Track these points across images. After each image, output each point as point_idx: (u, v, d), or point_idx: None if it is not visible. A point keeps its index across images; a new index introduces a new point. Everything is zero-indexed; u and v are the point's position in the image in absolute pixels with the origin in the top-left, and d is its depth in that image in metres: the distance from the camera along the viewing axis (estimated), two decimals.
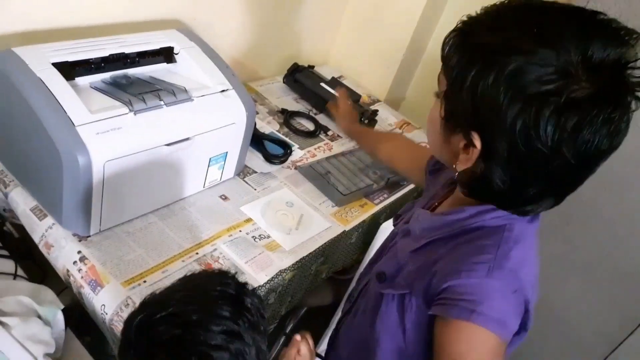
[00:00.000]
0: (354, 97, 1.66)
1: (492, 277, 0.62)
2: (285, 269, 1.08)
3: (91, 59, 0.96)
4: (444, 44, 0.63)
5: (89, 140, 0.84)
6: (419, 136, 1.66)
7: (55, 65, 0.89)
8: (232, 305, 0.63)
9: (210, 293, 0.64)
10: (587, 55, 0.54)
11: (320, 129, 1.54)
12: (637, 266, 1.50)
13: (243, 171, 1.26)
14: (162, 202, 1.08)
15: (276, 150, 1.36)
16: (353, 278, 1.41)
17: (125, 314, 0.88)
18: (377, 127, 1.65)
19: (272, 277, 1.04)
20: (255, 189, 1.24)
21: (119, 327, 0.88)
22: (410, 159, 1.08)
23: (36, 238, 0.96)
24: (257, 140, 1.32)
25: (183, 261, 1.00)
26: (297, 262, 1.10)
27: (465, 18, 0.62)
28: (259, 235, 1.12)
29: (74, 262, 0.92)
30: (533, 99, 0.54)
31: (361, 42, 1.88)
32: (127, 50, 1.02)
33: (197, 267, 1.00)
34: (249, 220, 1.15)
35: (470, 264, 0.63)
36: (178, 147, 0.99)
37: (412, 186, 1.44)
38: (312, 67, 1.70)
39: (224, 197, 1.18)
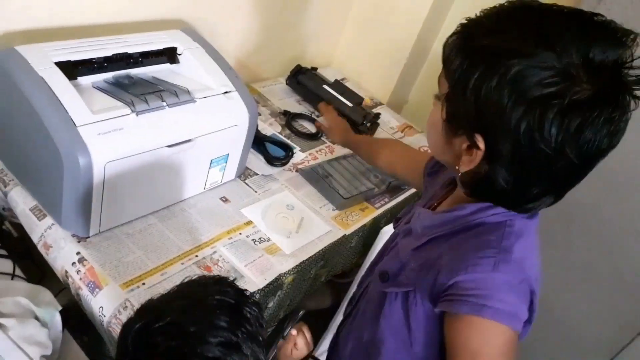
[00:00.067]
0: (356, 99, 1.65)
1: (499, 270, 0.62)
2: (284, 273, 1.07)
3: (94, 58, 0.96)
4: (445, 46, 0.64)
5: (90, 141, 0.83)
6: (421, 140, 1.65)
7: (57, 64, 0.88)
8: (231, 315, 0.62)
9: (209, 302, 0.63)
10: (588, 57, 0.55)
11: (322, 131, 1.53)
12: (638, 270, 1.50)
13: (244, 173, 1.26)
14: (162, 203, 1.07)
15: (278, 152, 1.35)
16: (352, 282, 1.41)
17: (123, 317, 0.87)
18: (379, 130, 1.65)
19: (272, 281, 1.04)
20: (256, 191, 1.23)
21: (116, 329, 0.87)
22: (409, 164, 1.08)
23: (35, 238, 0.96)
24: (258, 142, 1.32)
25: (182, 264, 0.99)
26: (296, 266, 1.10)
27: (465, 21, 0.62)
28: (259, 238, 1.12)
29: (73, 263, 0.92)
30: (536, 102, 0.55)
31: (365, 44, 1.87)
32: (130, 50, 1.01)
33: (196, 270, 0.99)
34: (249, 222, 1.14)
35: (475, 258, 0.64)
36: (180, 148, 0.98)
37: (413, 190, 1.44)
38: (315, 69, 1.70)
39: (225, 199, 1.18)
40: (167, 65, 1.09)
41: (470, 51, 0.60)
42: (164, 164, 0.98)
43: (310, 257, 1.13)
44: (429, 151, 0.81)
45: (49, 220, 0.95)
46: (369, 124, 1.57)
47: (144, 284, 0.93)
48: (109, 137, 0.86)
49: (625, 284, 1.52)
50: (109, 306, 0.88)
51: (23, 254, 1.00)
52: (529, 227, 0.68)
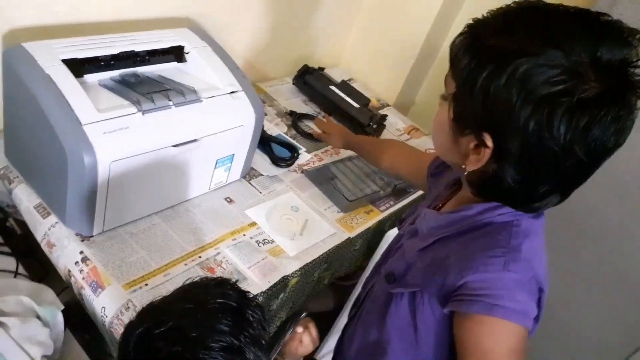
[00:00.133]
0: (363, 100, 1.64)
1: (509, 269, 0.63)
2: (288, 276, 1.06)
3: (101, 56, 0.95)
4: (452, 46, 0.64)
5: (96, 140, 0.83)
6: (427, 143, 1.64)
7: (64, 61, 0.87)
8: (233, 318, 0.61)
9: (211, 305, 0.62)
10: (595, 56, 0.55)
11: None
12: None
13: (249, 173, 1.25)
14: (166, 203, 1.07)
15: (283, 153, 1.34)
16: (356, 284, 1.40)
17: (125, 318, 0.87)
18: (385, 132, 1.64)
19: (275, 284, 1.03)
20: (260, 192, 1.23)
21: (118, 330, 0.87)
22: (412, 165, 1.08)
23: (38, 236, 0.95)
24: (264, 142, 1.31)
25: (185, 264, 0.99)
26: (300, 268, 1.09)
27: (471, 21, 0.63)
28: (263, 240, 1.11)
29: (76, 263, 0.91)
30: (545, 100, 0.56)
31: (373, 44, 1.86)
32: (137, 48, 1.00)
33: (199, 271, 0.99)
34: (253, 224, 1.14)
35: (485, 258, 0.64)
36: (185, 148, 0.97)
37: (419, 193, 1.43)
38: (322, 69, 1.69)
39: (229, 200, 1.17)
40: (174, 63, 1.08)
41: (478, 51, 0.60)
42: (169, 163, 0.97)
43: (314, 260, 1.12)
44: (434, 152, 0.80)
45: (53, 218, 0.95)
46: (375, 126, 1.56)
47: (146, 284, 0.92)
48: (114, 136, 0.85)
49: (631, 288, 1.51)
50: (112, 307, 0.88)
51: (26, 251, 1.00)
52: (536, 226, 0.68)
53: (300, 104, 1.62)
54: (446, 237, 0.72)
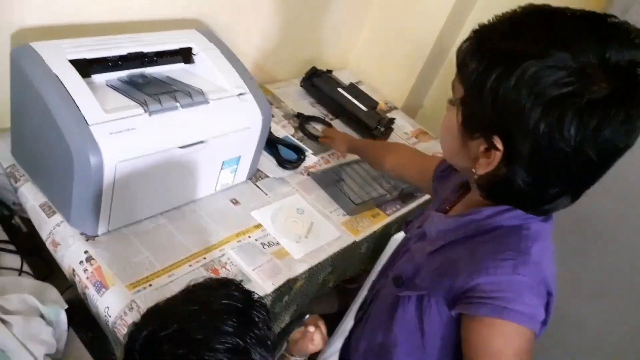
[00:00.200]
0: (371, 103, 1.63)
1: (519, 272, 0.63)
2: (293, 278, 1.06)
3: (109, 56, 0.95)
4: (459, 51, 0.64)
5: (102, 140, 0.83)
6: (435, 146, 1.63)
7: (72, 61, 0.88)
8: (238, 319, 0.61)
9: (215, 307, 0.62)
10: (604, 57, 0.56)
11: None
12: None
13: (255, 175, 1.25)
14: (172, 203, 1.07)
15: (290, 155, 1.34)
16: (361, 287, 1.39)
17: (129, 318, 0.87)
18: (392, 135, 1.63)
19: (279, 287, 1.03)
20: (266, 194, 1.22)
21: (122, 330, 0.87)
22: (417, 167, 1.09)
23: (44, 235, 0.95)
24: (271, 144, 1.31)
25: (190, 265, 0.98)
26: (305, 271, 1.09)
27: (477, 27, 0.63)
28: (268, 242, 1.11)
29: (80, 262, 0.91)
30: (555, 102, 0.56)
31: (382, 47, 1.86)
32: (145, 49, 1.00)
33: (203, 273, 0.98)
34: (258, 225, 1.13)
35: (495, 261, 0.64)
36: (192, 149, 0.97)
37: (426, 197, 1.42)
38: (330, 71, 1.68)
39: (235, 201, 1.17)
40: (182, 65, 1.08)
41: (486, 54, 0.61)
42: (175, 164, 0.97)
43: (319, 263, 1.12)
44: (441, 155, 0.79)
45: (58, 217, 0.95)
46: (382, 129, 1.55)
47: (150, 285, 0.92)
48: (121, 136, 0.85)
49: None
50: (115, 307, 0.88)
51: (31, 249, 1.00)
52: (545, 230, 0.68)
53: (307, 106, 1.61)
54: (455, 240, 0.71)
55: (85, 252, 0.92)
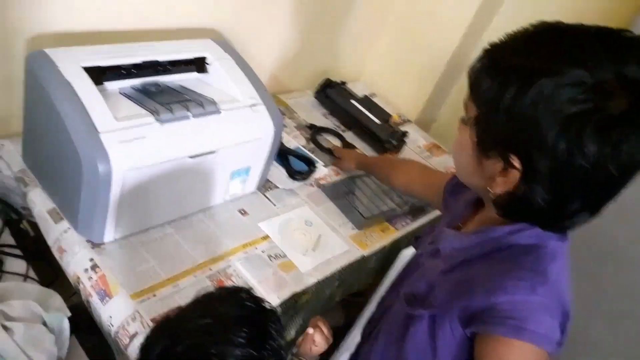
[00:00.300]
0: (384, 116, 1.62)
1: (537, 293, 0.62)
2: (298, 292, 1.04)
3: (122, 64, 0.95)
4: (472, 70, 0.64)
5: (112, 148, 0.82)
6: (449, 161, 1.62)
7: (85, 69, 0.88)
8: (251, 329, 0.61)
9: (228, 318, 0.62)
10: (621, 73, 0.55)
11: (347, 147, 1.51)
12: None
13: (265, 186, 1.24)
14: (180, 213, 1.06)
15: (300, 166, 1.33)
16: (368, 301, 1.37)
17: (131, 328, 0.86)
18: (405, 149, 1.61)
19: (285, 300, 1.01)
20: (275, 205, 1.21)
21: (124, 340, 0.86)
22: (426, 182, 1.08)
23: (50, 241, 0.95)
24: (281, 154, 1.30)
25: (195, 276, 0.97)
26: (311, 285, 1.07)
27: (489, 46, 0.63)
28: (275, 254, 1.09)
29: (85, 270, 0.91)
30: (573, 118, 0.55)
31: (397, 59, 1.84)
32: (159, 58, 1.00)
33: (208, 284, 0.97)
34: (265, 237, 1.12)
35: (512, 280, 0.64)
36: (202, 159, 0.97)
37: (437, 212, 1.39)
38: (344, 83, 1.67)
39: (243, 212, 1.16)
40: (196, 74, 1.08)
41: (500, 72, 0.60)
42: (184, 174, 0.96)
43: (326, 277, 1.11)
44: (452, 171, 0.78)
45: (65, 224, 0.95)
46: (395, 142, 1.54)
47: (155, 295, 0.91)
48: (130, 145, 0.85)
49: None
50: (118, 316, 0.87)
51: (38, 254, 0.99)
52: (561, 249, 0.67)
53: (320, 118, 1.60)
54: (470, 258, 0.71)
55: (91, 259, 0.92)
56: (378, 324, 0.88)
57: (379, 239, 1.27)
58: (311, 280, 1.07)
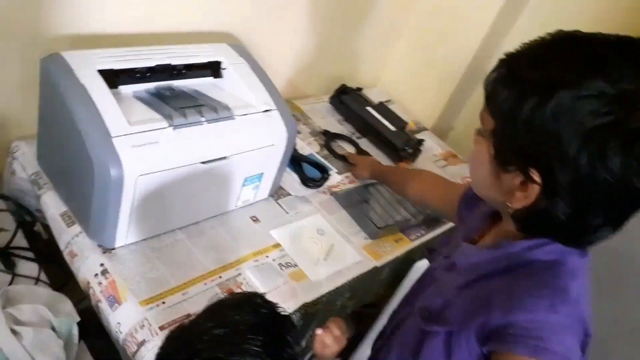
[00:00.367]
0: (400, 123, 1.60)
1: (557, 311, 0.61)
2: (309, 303, 1.03)
3: (137, 68, 0.94)
4: (488, 81, 0.62)
5: (124, 153, 0.82)
6: (465, 170, 1.59)
7: (100, 72, 0.87)
8: (265, 337, 0.59)
9: (243, 327, 0.60)
10: None
11: (362, 154, 1.49)
12: None
13: (277, 192, 1.23)
14: (191, 219, 1.05)
15: (313, 173, 1.31)
16: (379, 313, 1.35)
17: (139, 336, 0.85)
18: (421, 157, 1.59)
19: (295, 311, 1.00)
20: (287, 212, 1.20)
21: (132, 348, 0.85)
22: (441, 193, 1.06)
23: (62, 245, 0.95)
24: (295, 161, 1.29)
25: (205, 284, 0.96)
26: (322, 296, 1.06)
27: (505, 56, 0.61)
28: (286, 263, 1.08)
29: (95, 275, 0.90)
30: (595, 131, 0.54)
31: (414, 65, 1.82)
32: (174, 62, 1.00)
33: (218, 292, 0.96)
34: (277, 245, 1.11)
35: (531, 298, 0.62)
36: (214, 165, 0.96)
37: (452, 224, 1.37)
38: (360, 89, 1.66)
39: (255, 219, 1.14)
40: (211, 79, 1.07)
41: (517, 83, 0.58)
42: (196, 179, 0.95)
43: (337, 288, 1.09)
44: (467, 182, 0.76)
45: (77, 228, 0.95)
46: (410, 150, 1.52)
47: (164, 302, 0.90)
48: (143, 150, 0.84)
49: None
50: (127, 323, 0.86)
51: (50, 256, 0.99)
52: (582, 266, 0.65)
53: (335, 124, 1.59)
54: (487, 274, 0.69)
55: (101, 264, 0.91)
56: (390, 337, 0.86)
57: (393, 250, 1.24)
58: (322, 291, 1.05)
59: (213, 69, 1.07)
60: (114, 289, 0.88)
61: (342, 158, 1.43)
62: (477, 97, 1.80)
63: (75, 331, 0.85)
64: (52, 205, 0.97)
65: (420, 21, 1.76)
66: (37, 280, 0.94)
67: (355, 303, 1.24)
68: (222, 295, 0.95)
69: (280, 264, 1.07)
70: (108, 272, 0.90)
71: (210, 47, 1.08)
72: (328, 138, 1.48)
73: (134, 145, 0.84)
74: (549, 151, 0.56)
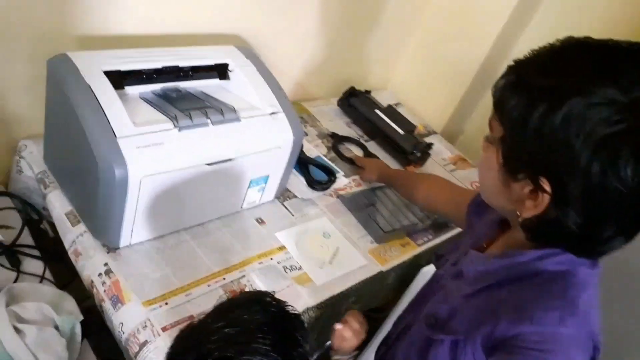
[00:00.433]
0: (409, 126, 1.59)
1: (566, 325, 0.59)
2: (313, 307, 1.02)
3: (144, 69, 0.95)
4: (496, 89, 0.61)
5: (129, 154, 0.82)
6: (474, 175, 1.57)
7: (106, 73, 0.88)
8: (274, 336, 0.59)
9: (253, 326, 0.60)
10: None
11: (369, 157, 1.48)
12: None
13: (283, 195, 1.22)
14: (196, 220, 1.05)
15: (320, 176, 1.31)
16: (385, 318, 1.34)
17: (142, 337, 0.85)
18: (429, 161, 1.57)
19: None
20: (293, 215, 1.19)
21: (134, 348, 0.85)
22: (450, 198, 1.05)
23: (67, 244, 0.95)
24: (301, 163, 1.28)
25: (208, 285, 0.96)
26: (326, 300, 1.05)
27: (513, 63, 0.61)
28: (290, 266, 1.07)
29: (99, 274, 0.90)
30: (607, 140, 0.53)
31: (424, 68, 1.81)
32: (181, 64, 1.00)
33: (221, 293, 0.96)
34: (282, 248, 1.10)
35: (540, 310, 0.61)
36: (219, 167, 0.95)
37: (459, 230, 1.35)
38: (369, 92, 1.65)
39: (260, 221, 1.14)
40: (217, 80, 1.07)
41: (526, 90, 0.57)
42: (201, 181, 0.95)
43: (341, 292, 1.08)
44: (478, 188, 0.75)
45: (82, 227, 0.95)
46: (419, 154, 1.50)
47: (167, 303, 0.90)
48: (148, 151, 0.84)
49: None
50: (129, 323, 0.86)
51: (56, 254, 1.00)
52: (592, 277, 0.64)
53: (343, 126, 1.58)
54: (495, 283, 0.68)
55: (105, 264, 0.91)
56: (395, 343, 0.85)
57: (399, 255, 1.23)
58: (326, 295, 1.05)
59: (220, 71, 1.07)
60: (118, 289, 0.88)
61: (350, 161, 1.42)
62: (488, 101, 1.76)
63: (78, 330, 0.86)
64: (57, 204, 0.98)
65: (431, 23, 1.74)
66: (42, 278, 0.94)
67: (361, 307, 1.23)
68: (225, 297, 0.95)
69: (284, 267, 1.06)
70: (112, 272, 0.90)
71: (218, 49, 1.08)
72: (336, 141, 1.47)
73: (138, 146, 0.84)
74: (559, 160, 0.55)
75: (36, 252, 0.98)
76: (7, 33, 0.93)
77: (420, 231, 1.31)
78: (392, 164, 1.50)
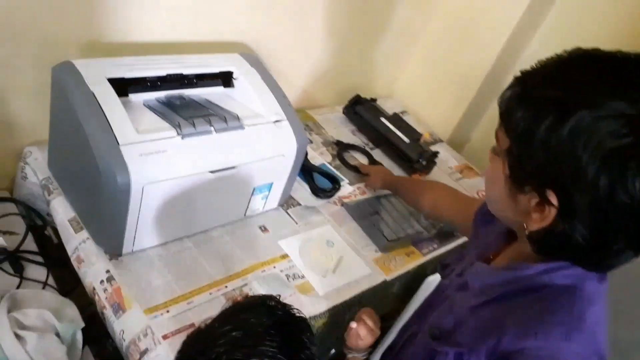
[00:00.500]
0: (414, 135, 1.58)
1: (572, 340, 0.59)
2: (315, 316, 1.01)
3: (148, 77, 0.95)
4: (502, 100, 0.61)
5: (131, 162, 0.82)
6: (480, 184, 1.56)
7: (110, 80, 0.88)
8: (283, 339, 0.59)
9: (259, 329, 0.60)
10: None
11: (374, 164, 1.47)
12: None
13: (287, 202, 1.22)
14: (199, 227, 1.05)
15: (324, 183, 1.30)
16: (389, 327, 1.32)
17: (142, 345, 0.85)
18: (435, 170, 1.56)
19: None
20: (296, 223, 1.19)
21: (135, 356, 0.84)
22: (456, 207, 1.04)
23: (69, 250, 0.95)
24: (306, 171, 1.28)
25: (210, 294, 0.96)
26: (329, 309, 1.04)
27: (520, 74, 0.60)
28: (293, 275, 1.07)
29: (101, 281, 0.90)
30: (615, 153, 0.52)
31: (430, 76, 1.80)
32: (185, 71, 1.00)
33: (223, 302, 0.95)
34: (285, 256, 1.10)
35: (545, 325, 0.60)
36: (223, 174, 0.95)
37: (465, 239, 1.34)
38: (375, 100, 1.65)
39: (264, 229, 1.14)
40: (221, 88, 1.07)
41: (533, 102, 0.57)
42: (205, 188, 0.95)
43: (344, 302, 1.07)
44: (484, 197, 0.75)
45: (84, 234, 0.95)
46: (424, 162, 1.49)
47: (168, 311, 0.90)
48: (150, 158, 0.84)
49: None
50: (130, 331, 0.86)
51: (60, 261, 1.00)
52: (600, 292, 0.63)
53: (348, 134, 1.58)
54: (500, 296, 0.67)
55: (107, 271, 0.91)
56: (398, 354, 0.84)
57: (404, 264, 1.22)
58: (329, 305, 1.04)
59: (224, 78, 1.07)
60: (119, 296, 0.88)
61: (354, 169, 1.42)
62: (495, 109, 1.75)
63: (80, 337, 0.86)
64: (61, 211, 0.98)
65: (437, 32, 1.74)
66: (44, 284, 0.94)
67: None
68: (227, 306, 0.95)
69: (287, 275, 1.06)
70: (114, 279, 0.90)
71: (223, 57, 1.08)
72: (340, 148, 1.47)
73: (141, 153, 0.84)
74: (566, 172, 0.55)
75: (39, 259, 0.98)
76: (13, 40, 0.94)
77: (425, 240, 1.30)
78: (398, 172, 1.50)
